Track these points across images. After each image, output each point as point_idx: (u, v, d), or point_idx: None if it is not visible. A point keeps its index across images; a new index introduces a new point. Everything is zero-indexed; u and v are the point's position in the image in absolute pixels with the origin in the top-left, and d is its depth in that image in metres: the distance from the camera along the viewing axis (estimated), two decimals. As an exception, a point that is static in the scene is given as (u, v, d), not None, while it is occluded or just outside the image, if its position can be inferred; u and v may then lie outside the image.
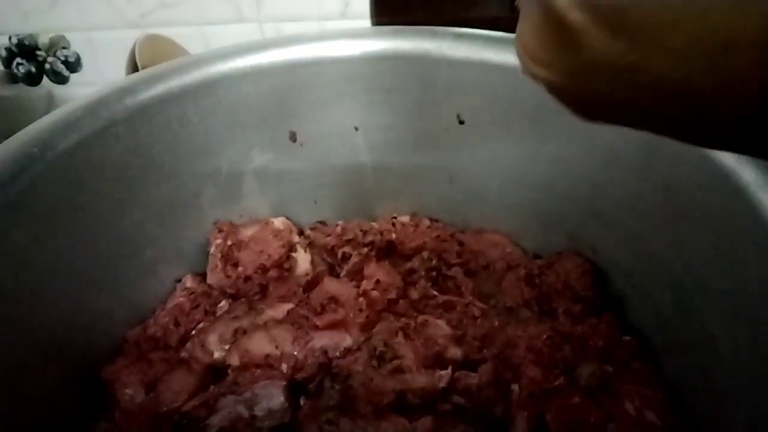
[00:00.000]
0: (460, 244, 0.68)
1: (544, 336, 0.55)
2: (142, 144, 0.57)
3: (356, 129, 0.66)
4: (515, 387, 0.53)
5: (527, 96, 0.58)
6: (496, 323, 0.58)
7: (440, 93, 0.62)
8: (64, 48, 0.99)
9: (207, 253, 0.66)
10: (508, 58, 0.58)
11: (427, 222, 0.70)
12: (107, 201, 0.56)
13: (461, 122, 0.63)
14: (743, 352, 0.44)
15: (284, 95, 0.63)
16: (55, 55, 0.98)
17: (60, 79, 0.99)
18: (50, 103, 0.99)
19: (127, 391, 0.55)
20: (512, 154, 0.63)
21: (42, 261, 0.51)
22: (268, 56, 0.62)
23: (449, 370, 0.53)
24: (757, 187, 0.42)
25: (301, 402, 0.53)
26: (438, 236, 0.68)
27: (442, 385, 0.52)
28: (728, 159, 0.44)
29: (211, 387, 0.55)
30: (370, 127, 0.66)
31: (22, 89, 0.99)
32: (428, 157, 0.67)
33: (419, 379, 0.52)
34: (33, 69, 0.97)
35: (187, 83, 0.59)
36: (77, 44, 1.01)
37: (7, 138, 0.51)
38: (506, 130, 0.62)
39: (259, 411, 0.52)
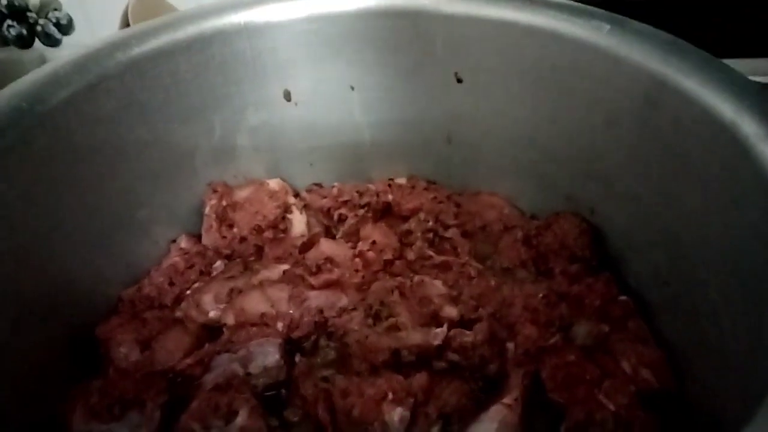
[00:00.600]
0: (457, 205, 0.68)
1: (540, 295, 0.55)
2: (134, 101, 0.56)
3: (352, 88, 0.65)
4: (510, 345, 0.53)
5: (526, 52, 0.57)
6: (493, 283, 0.58)
7: (438, 51, 0.61)
8: (55, 10, 0.97)
9: (201, 214, 0.65)
10: (507, 13, 0.56)
11: (423, 184, 0.70)
12: (99, 158, 0.55)
13: (459, 80, 0.62)
14: (738, 308, 0.44)
15: (279, 53, 0.62)
16: (46, 17, 0.96)
17: (52, 42, 0.97)
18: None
19: (122, 349, 0.55)
20: (511, 114, 0.62)
21: (34, 218, 0.50)
22: (262, 12, 0.60)
23: (444, 328, 0.52)
24: (757, 138, 0.42)
25: (297, 359, 0.53)
26: (435, 198, 0.68)
27: (437, 342, 0.52)
28: (727, 112, 0.44)
29: (206, 345, 0.55)
30: (367, 86, 0.65)
31: (14, 52, 0.98)
32: (426, 117, 0.66)
33: (414, 337, 0.52)
34: (24, 31, 0.95)
35: (179, 39, 0.57)
36: (69, 6, 0.99)
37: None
38: (505, 89, 0.60)
39: (254, 368, 0.52)
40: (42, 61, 0.99)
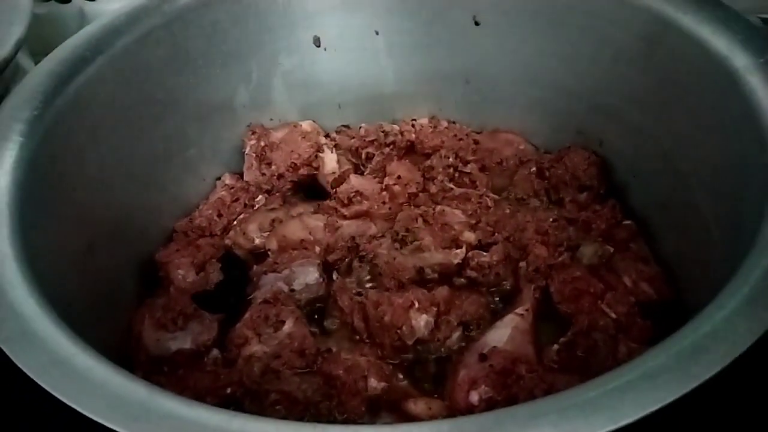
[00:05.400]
0: (476, 142, 0.73)
1: (551, 219, 0.61)
2: (180, 49, 0.62)
3: (377, 33, 0.70)
4: (523, 264, 0.59)
5: (540, -6, 0.61)
6: (508, 211, 0.64)
7: (457, -6, 0.66)
8: (91, -36, 1.02)
9: (242, 154, 0.72)
10: (522, -44, 0.60)
11: (444, 123, 0.75)
12: (153, 102, 0.62)
13: (477, 23, 0.66)
14: (726, 224, 0.49)
15: (308, 1, 0.67)
16: (83, -28, 1.01)
17: (90, -4, 1.02)
18: (82, 20, 1.03)
19: (180, 271, 0.62)
20: (525, 54, 0.66)
21: (100, 156, 0.57)
22: (292, -37, 0.65)
23: (464, 249, 0.59)
24: (746, 71, 0.46)
25: (334, 277, 0.60)
26: (455, 136, 0.73)
27: (457, 261, 0.58)
28: (721, 47, 0.48)
29: (254, 267, 0.62)
30: (390, 31, 0.69)
31: (54, 6, 1.03)
32: (446, 59, 0.71)
33: (436, 256, 0.59)
34: (63, -14, 1.00)
35: (219, -10, 0.63)
36: (105, -40, 1.03)
37: (43, 57, 0.56)
38: (519, 30, 0.65)
39: (297, 285, 0.60)
40: (81, 14, 1.04)
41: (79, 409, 0.30)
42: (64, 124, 0.53)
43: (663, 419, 0.28)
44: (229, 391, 0.52)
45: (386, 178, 0.70)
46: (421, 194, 0.69)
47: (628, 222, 0.62)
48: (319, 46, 0.70)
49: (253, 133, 0.71)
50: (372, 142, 0.74)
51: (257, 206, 0.69)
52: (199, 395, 0.51)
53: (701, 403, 0.29)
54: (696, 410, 0.29)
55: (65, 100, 0.53)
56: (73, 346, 0.34)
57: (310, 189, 0.73)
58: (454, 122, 0.76)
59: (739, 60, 0.47)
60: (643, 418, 0.28)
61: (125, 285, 0.61)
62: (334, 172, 0.73)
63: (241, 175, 0.72)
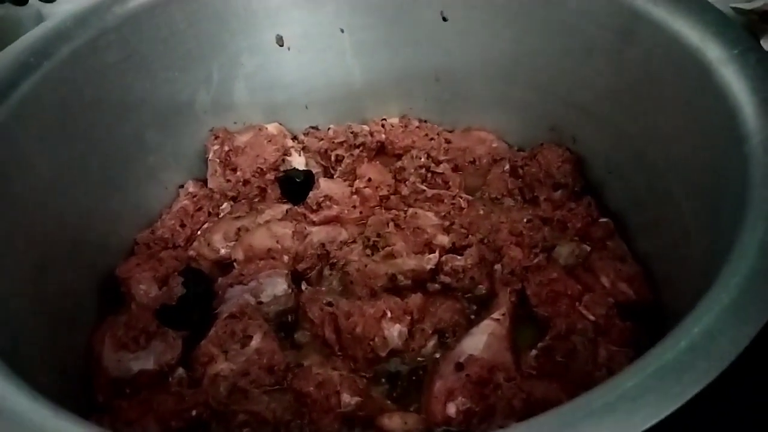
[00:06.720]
0: (448, 141, 0.71)
1: (525, 220, 0.59)
2: (134, 52, 0.59)
3: (342, 31, 0.67)
4: (498, 267, 0.57)
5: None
6: (482, 212, 0.62)
7: (423, -10, 0.63)
8: (46, -36, 0.98)
9: (206, 160, 0.69)
10: (488, -51, 0.58)
11: (415, 122, 0.73)
12: (107, 108, 0.58)
13: (445, 19, 0.64)
14: (705, 222, 0.48)
15: (269, -1, 0.64)
16: (37, -28, 0.97)
17: (46, -3, 0.98)
18: (39, 23, 0.99)
19: (142, 286, 0.59)
20: (495, 49, 0.64)
21: (50, 166, 0.54)
22: (250, -41, 0.62)
23: (437, 254, 0.57)
24: (719, 63, 0.45)
25: (303, 287, 0.58)
26: (426, 135, 0.71)
27: (430, 266, 0.56)
28: (694, 38, 0.46)
29: (219, 279, 0.59)
30: (356, 27, 0.67)
31: (10, 8, 0.99)
32: (414, 56, 0.68)
33: (409, 263, 0.56)
34: (17, -12, 0.96)
35: (172, -11, 0.60)
36: (60, -40, 0.99)
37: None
38: (489, 25, 0.63)
39: (264, 297, 0.57)
40: (38, 17, 1.00)
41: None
42: (7, 134, 0.50)
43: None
44: (194, 413, 0.49)
45: (356, 181, 0.68)
46: (392, 197, 0.67)
47: (604, 220, 0.61)
48: (282, 46, 0.67)
49: (216, 137, 0.69)
50: (341, 143, 0.71)
51: (222, 214, 0.66)
52: (163, 419, 0.49)
53: (685, 424, 0.27)
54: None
55: (8, 109, 0.50)
56: (6, 386, 0.31)
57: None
58: (425, 121, 0.74)
59: (713, 52, 0.45)
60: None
61: (84, 303, 0.58)
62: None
63: (204, 182, 0.69)
